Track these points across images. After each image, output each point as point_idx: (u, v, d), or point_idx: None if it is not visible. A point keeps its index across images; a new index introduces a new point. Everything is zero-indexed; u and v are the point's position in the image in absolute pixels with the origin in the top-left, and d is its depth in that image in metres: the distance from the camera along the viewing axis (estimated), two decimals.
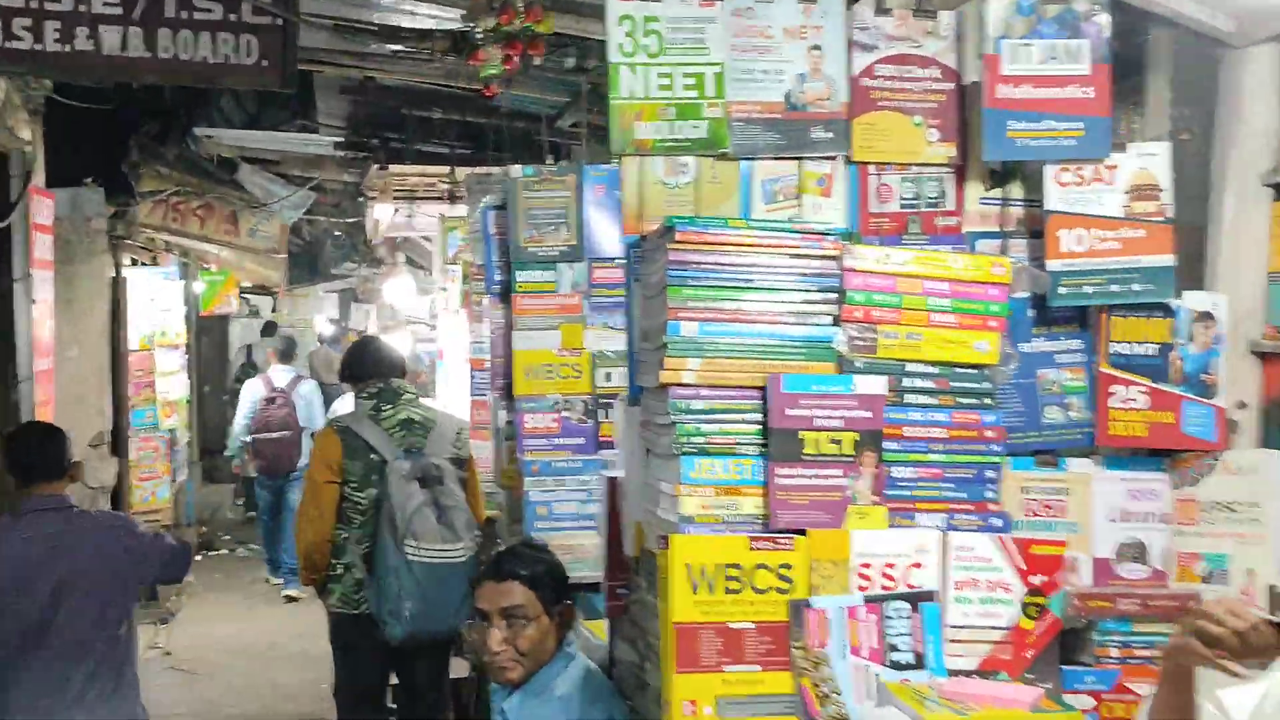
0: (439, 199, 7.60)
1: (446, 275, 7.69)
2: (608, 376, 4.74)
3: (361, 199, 8.42)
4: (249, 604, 10.51)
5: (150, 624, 9.71)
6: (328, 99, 6.73)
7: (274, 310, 23.52)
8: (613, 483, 2.97)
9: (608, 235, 4.84)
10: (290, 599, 10.28)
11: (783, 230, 2.63)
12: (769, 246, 2.60)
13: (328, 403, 11.92)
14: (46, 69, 4.81)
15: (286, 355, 11.14)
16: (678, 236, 2.56)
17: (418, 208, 7.73)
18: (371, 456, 4.82)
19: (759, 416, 2.58)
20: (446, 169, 6.98)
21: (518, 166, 4.72)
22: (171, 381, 10.50)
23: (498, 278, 4.93)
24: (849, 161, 2.92)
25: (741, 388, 2.58)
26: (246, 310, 16.76)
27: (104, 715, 4.16)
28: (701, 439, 2.56)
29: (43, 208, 6.87)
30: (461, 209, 7.72)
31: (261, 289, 19.37)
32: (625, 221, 2.87)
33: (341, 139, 7.34)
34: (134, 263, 10.22)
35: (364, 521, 4.84)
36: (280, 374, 10.91)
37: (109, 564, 4.21)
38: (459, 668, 5.61)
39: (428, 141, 6.77)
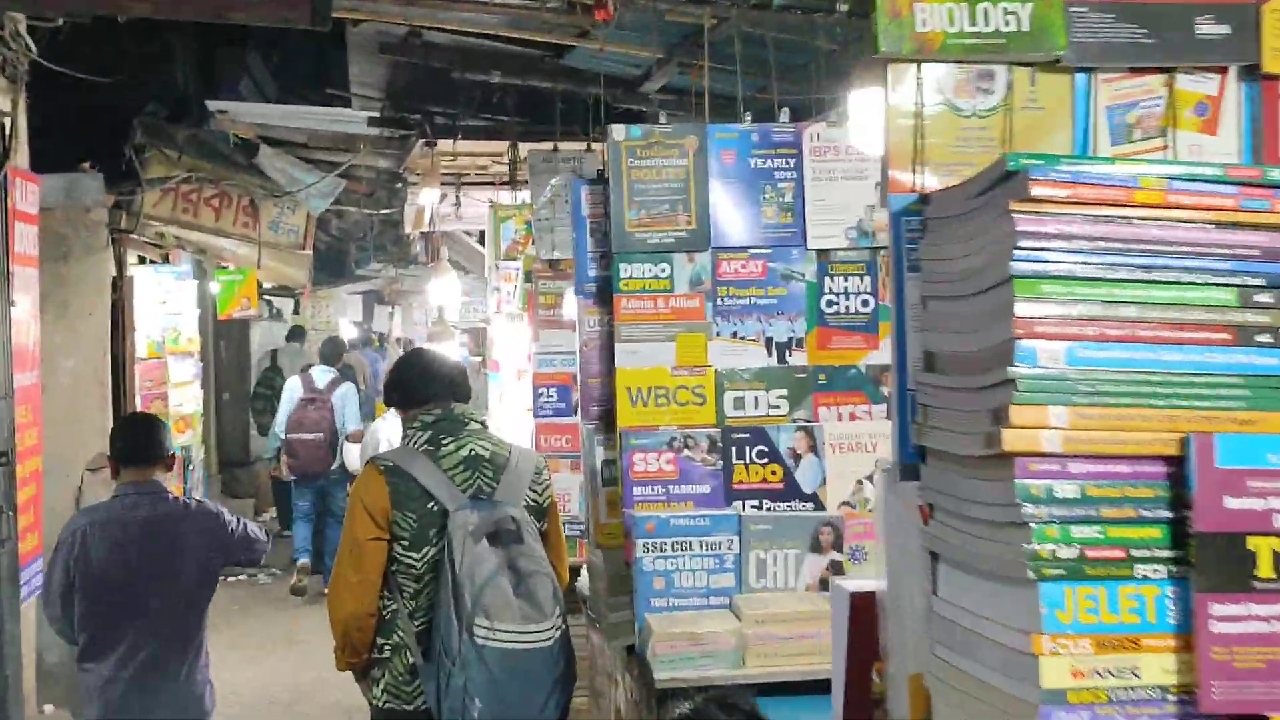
0: (490, 184, 6.50)
1: (499, 273, 6.58)
2: (738, 403, 3.63)
3: (400, 184, 7.31)
4: (271, 642, 9.40)
5: None
6: (364, 62, 5.63)
7: (295, 313, 22.51)
8: (861, 601, 1.83)
9: (738, 216, 3.73)
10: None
11: (1209, 180, 1.49)
12: (1185, 208, 1.47)
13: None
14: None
15: (330, 357, 10.87)
16: (1033, 188, 1.43)
17: (464, 194, 6.62)
18: (428, 505, 3.70)
19: (1168, 510, 1.45)
20: (505, 146, 5.87)
21: (620, 126, 3.60)
22: (185, 393, 9.45)
23: (592, 272, 3.80)
24: (1250, 76, 1.79)
25: (1138, 458, 1.46)
26: (267, 313, 15.68)
27: (184, 693, 4.35)
28: (1073, 551, 1.43)
29: (26, 192, 5.77)
30: (516, 195, 6.61)
31: (283, 290, 18.32)
32: (890, 168, 1.73)
33: (378, 113, 6.24)
34: (142, 261, 9.18)
35: (419, 590, 3.72)
36: (321, 375, 10.56)
37: (196, 549, 4.36)
38: None
39: (481, 114, 5.64)
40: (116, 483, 4.47)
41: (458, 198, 6.19)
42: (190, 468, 9.64)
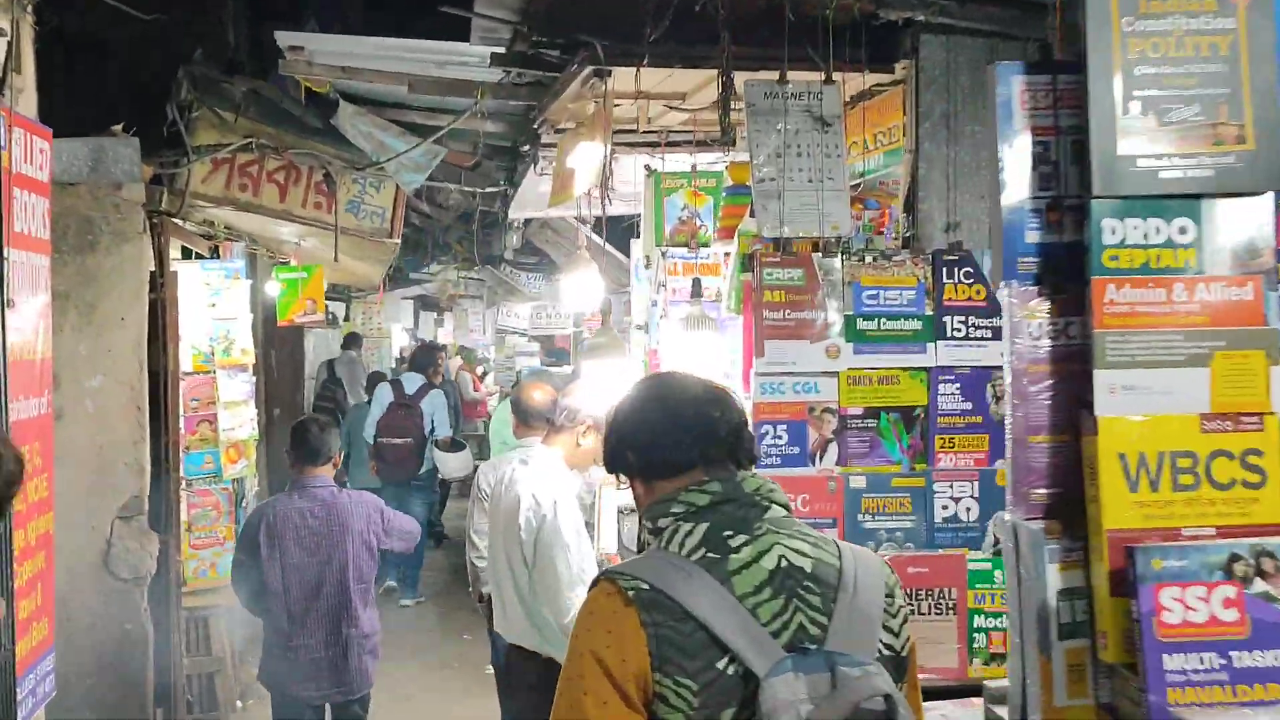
0: (650, 145, 4.84)
1: (663, 264, 4.90)
2: None
3: (528, 145, 5.58)
4: None
5: None
6: None
7: (347, 318, 20.91)
8: None
9: None
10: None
11: None
12: None
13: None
14: None
15: (421, 365, 11.13)
16: None
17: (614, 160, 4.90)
18: (719, 665, 2.02)
19: None
20: (692, 83, 4.16)
21: None
22: (237, 414, 7.82)
23: (1034, 235, 2.09)
24: None
25: None
26: (325, 318, 14.09)
27: (351, 660, 5.05)
28: None
29: (32, 150, 4.16)
30: (693, 155, 4.92)
31: (333, 291, 16.57)
32: None
33: (504, 46, 4.54)
34: (187, 255, 7.58)
35: None
36: (411, 381, 10.83)
37: (361, 535, 5.09)
38: None
39: (674, 34, 3.89)
40: (292, 476, 5.22)
41: (609, 165, 4.45)
42: (243, 503, 8.01)
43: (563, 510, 4.07)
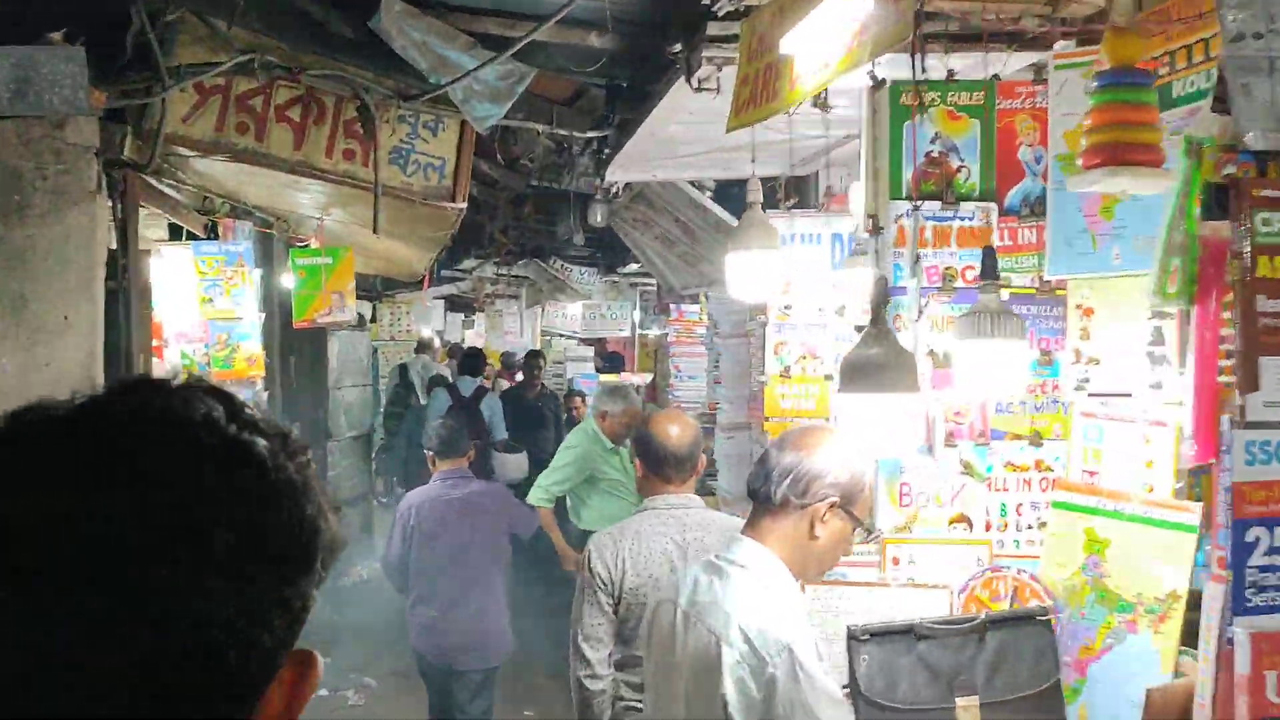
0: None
1: (909, 222, 3.03)
2: None
3: (676, 50, 3.62)
4: None
5: None
6: None
7: (373, 319, 19.00)
8: None
9: None
10: None
11: None
12: None
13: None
14: None
15: (471, 368, 11.26)
16: None
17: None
18: None
19: None
20: None
21: None
22: None
23: None
24: None
25: None
26: (356, 318, 12.22)
27: (491, 631, 5.77)
28: None
29: None
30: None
31: (367, 288, 14.67)
32: None
33: None
34: (175, 235, 5.78)
35: None
36: (465, 384, 10.97)
37: (495, 519, 5.89)
38: None
39: None
40: (435, 469, 5.95)
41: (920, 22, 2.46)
42: None
43: (805, 665, 2.20)
